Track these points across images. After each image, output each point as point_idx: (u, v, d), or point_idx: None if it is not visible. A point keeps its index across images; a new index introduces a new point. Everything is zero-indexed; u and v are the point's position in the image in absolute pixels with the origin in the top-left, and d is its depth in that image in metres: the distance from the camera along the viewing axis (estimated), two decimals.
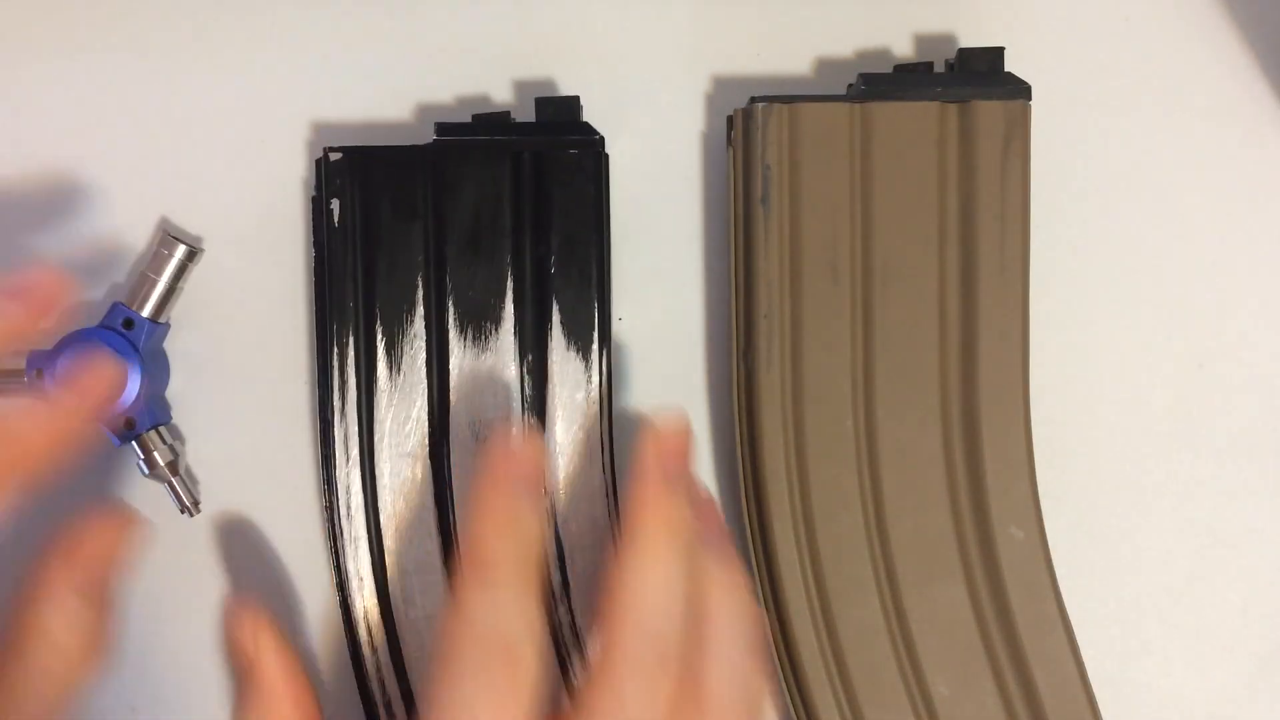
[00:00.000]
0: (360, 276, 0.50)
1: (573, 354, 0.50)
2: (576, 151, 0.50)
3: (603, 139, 0.50)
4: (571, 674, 0.50)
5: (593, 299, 0.50)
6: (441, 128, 0.50)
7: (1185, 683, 0.53)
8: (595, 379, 0.50)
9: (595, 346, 0.50)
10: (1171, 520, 0.53)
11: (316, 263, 0.50)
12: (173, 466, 0.52)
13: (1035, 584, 0.48)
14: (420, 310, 0.50)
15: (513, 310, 0.50)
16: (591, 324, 0.50)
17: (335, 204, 0.50)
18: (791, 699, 0.50)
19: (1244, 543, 0.53)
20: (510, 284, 0.50)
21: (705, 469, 0.53)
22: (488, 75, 0.54)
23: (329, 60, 0.54)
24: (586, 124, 0.50)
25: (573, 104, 0.51)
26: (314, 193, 0.51)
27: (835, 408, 0.49)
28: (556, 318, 0.50)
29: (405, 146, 0.50)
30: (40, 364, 0.51)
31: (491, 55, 0.54)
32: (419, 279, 0.50)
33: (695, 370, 0.53)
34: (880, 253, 0.49)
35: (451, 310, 0.50)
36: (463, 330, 0.50)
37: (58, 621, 0.44)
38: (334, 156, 0.50)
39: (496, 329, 0.50)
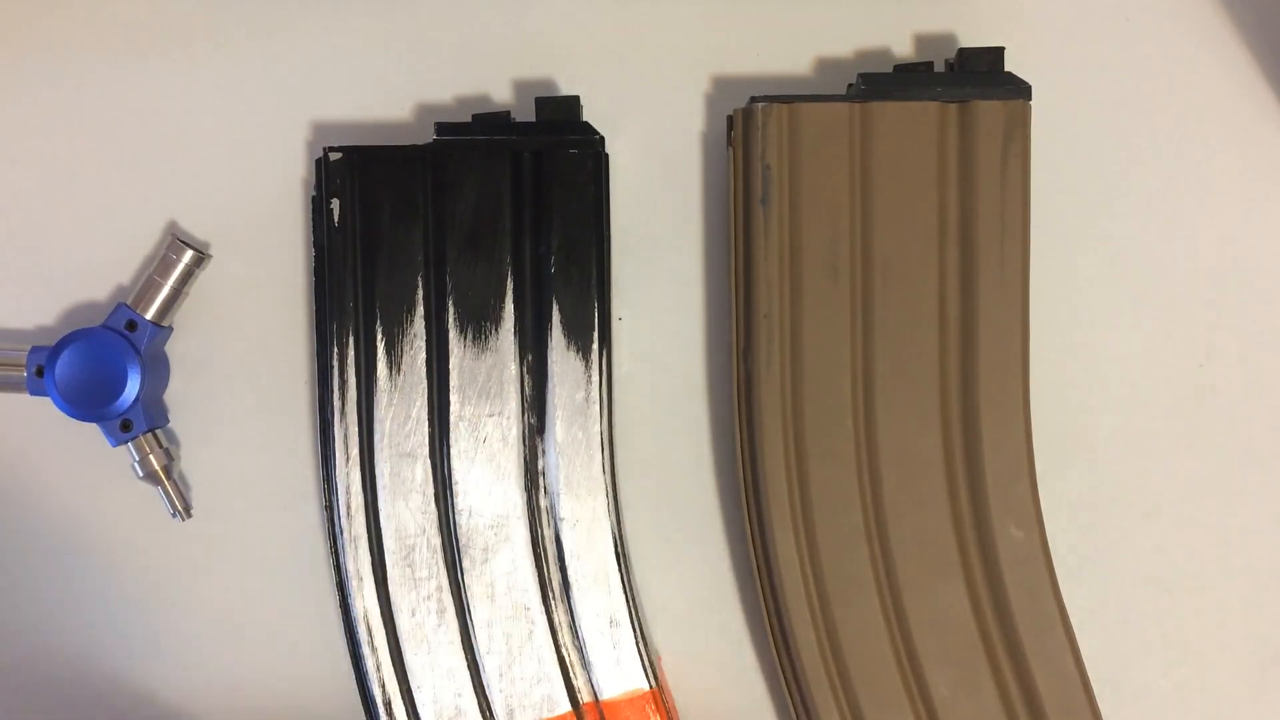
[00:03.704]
0: (360, 276, 0.50)
1: (573, 354, 0.50)
2: (576, 151, 0.50)
3: (603, 139, 0.50)
4: (571, 674, 0.50)
5: (593, 299, 0.50)
6: (441, 128, 0.50)
7: (1185, 683, 0.53)
8: (595, 379, 0.50)
9: (595, 346, 0.50)
10: (1171, 520, 0.53)
11: (316, 263, 0.50)
12: (167, 470, 0.52)
13: (1035, 584, 0.48)
14: (420, 310, 0.50)
15: (513, 310, 0.50)
16: (591, 324, 0.50)
17: (335, 204, 0.50)
18: (791, 698, 0.50)
19: (1244, 542, 0.53)
20: (510, 284, 0.50)
21: (706, 469, 0.53)
22: (488, 75, 0.54)
23: (329, 60, 0.54)
24: (586, 124, 0.50)
25: (573, 104, 0.51)
26: (314, 193, 0.51)
27: (835, 408, 0.49)
28: (556, 318, 0.50)
29: (405, 146, 0.50)
30: (41, 361, 0.51)
31: (491, 55, 0.54)
32: (419, 279, 0.50)
33: (695, 370, 0.53)
34: (880, 252, 0.49)
35: (451, 310, 0.50)
36: (463, 330, 0.50)
37: None
38: (334, 156, 0.50)
39: (496, 329, 0.50)
